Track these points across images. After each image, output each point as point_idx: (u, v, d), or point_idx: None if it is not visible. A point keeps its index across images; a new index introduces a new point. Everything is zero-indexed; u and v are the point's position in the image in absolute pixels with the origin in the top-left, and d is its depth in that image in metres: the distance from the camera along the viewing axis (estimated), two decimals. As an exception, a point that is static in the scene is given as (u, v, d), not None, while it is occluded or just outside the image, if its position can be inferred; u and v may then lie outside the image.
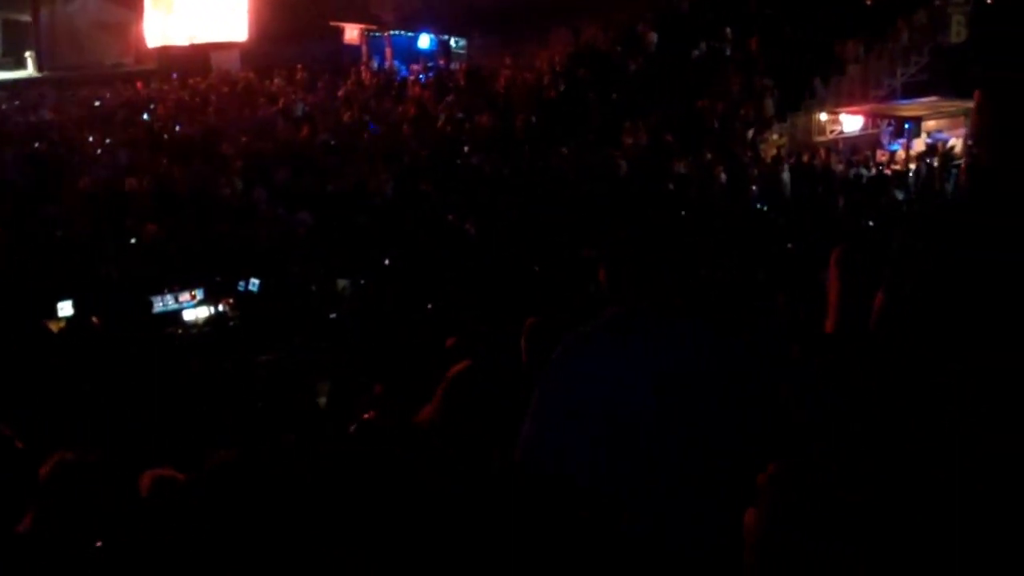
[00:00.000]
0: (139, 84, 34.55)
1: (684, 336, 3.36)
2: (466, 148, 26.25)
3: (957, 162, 24.52)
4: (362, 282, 17.22)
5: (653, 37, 31.43)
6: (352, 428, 4.85)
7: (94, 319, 15.17)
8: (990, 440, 2.13)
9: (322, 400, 11.02)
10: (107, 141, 26.67)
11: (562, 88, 30.51)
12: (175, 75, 35.86)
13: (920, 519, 2.51)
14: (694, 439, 3.27)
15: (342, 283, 17.07)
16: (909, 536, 2.62)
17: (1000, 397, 2.11)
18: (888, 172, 25.73)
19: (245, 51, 39.30)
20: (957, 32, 29.26)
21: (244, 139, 26.62)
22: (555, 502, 3.20)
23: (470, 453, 3.76)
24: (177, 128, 28.46)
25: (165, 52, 38.13)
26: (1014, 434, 2.08)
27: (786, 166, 24.74)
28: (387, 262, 18.10)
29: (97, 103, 31.30)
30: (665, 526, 3.16)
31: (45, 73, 37.38)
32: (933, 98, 28.09)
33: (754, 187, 22.74)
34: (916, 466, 2.40)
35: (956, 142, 26.09)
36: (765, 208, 21.60)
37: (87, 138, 27.18)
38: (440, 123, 28.65)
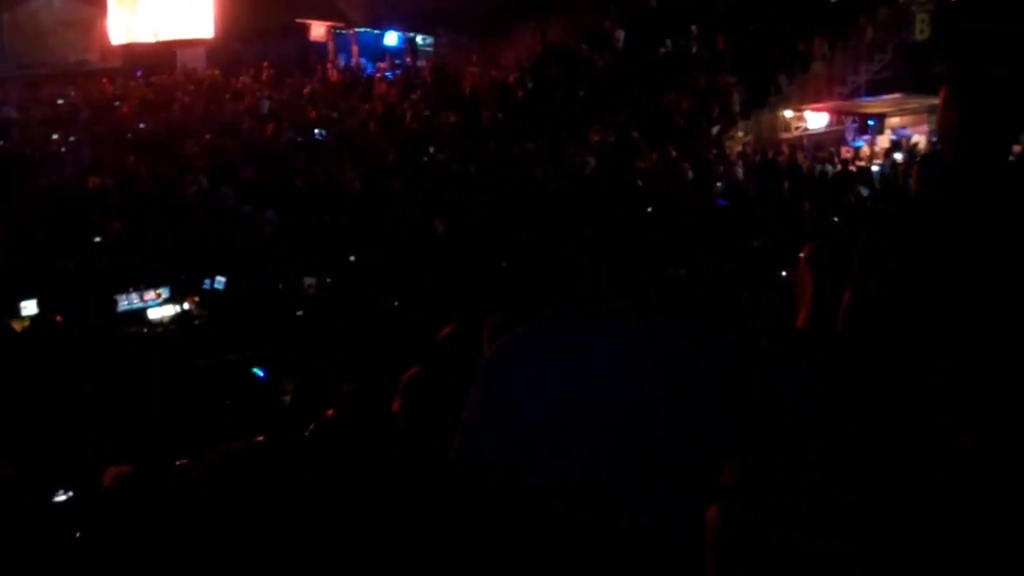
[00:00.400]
0: (105, 81, 34.35)
1: (660, 335, 3.32)
2: (432, 146, 26.22)
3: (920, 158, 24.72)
4: (328, 280, 17.19)
5: (620, 34, 31.48)
6: (311, 427, 4.84)
7: (57, 318, 15.09)
8: (988, 439, 2.14)
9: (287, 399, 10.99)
10: (71, 139, 26.48)
11: (529, 86, 30.52)
12: (140, 73, 35.69)
13: (918, 518, 2.52)
14: (671, 439, 3.24)
15: (308, 281, 17.03)
16: (907, 535, 2.62)
17: (994, 396, 2.11)
18: (853, 169, 25.88)
19: (211, 49, 39.12)
20: (921, 29, 29.46)
21: (210, 137, 26.51)
22: (497, 500, 3.19)
23: (431, 454, 3.74)
24: (142, 126, 28.29)
25: (130, 49, 37.92)
26: (1011, 433, 2.08)
27: (741, 162, 24.87)
28: (353, 260, 18.07)
29: (61, 101, 31.10)
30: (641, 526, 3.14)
31: (9, 71, 37.11)
32: (897, 95, 28.29)
33: (719, 184, 22.82)
34: (913, 465, 2.41)
35: (920, 139, 26.29)
36: (726, 204, 21.68)
37: (51, 136, 26.99)
38: (407, 121, 28.61)
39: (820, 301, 4.11)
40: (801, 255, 4.39)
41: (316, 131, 27.69)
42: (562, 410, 3.14)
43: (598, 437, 3.14)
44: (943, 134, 3.44)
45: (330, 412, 4.78)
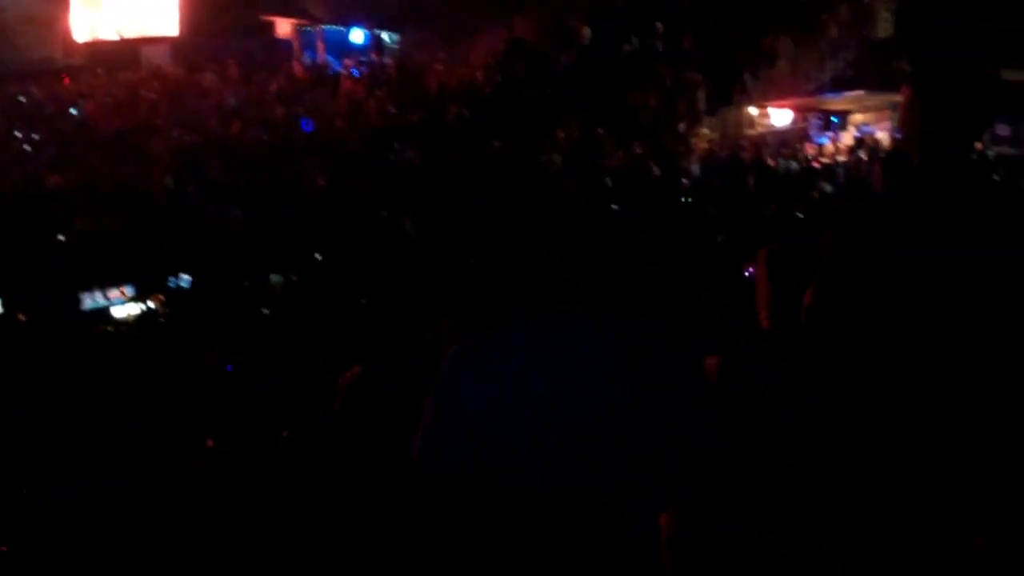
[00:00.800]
0: (66, 79, 34.06)
1: (636, 335, 3.32)
2: (398, 143, 26.19)
3: (883, 155, 24.88)
4: (295, 278, 17.16)
5: (586, 32, 31.51)
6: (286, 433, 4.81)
7: (20, 316, 14.99)
8: (971, 439, 2.14)
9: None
10: (34, 137, 26.31)
11: (496, 82, 30.52)
12: (104, 70, 35.44)
13: (898, 517, 2.54)
14: (650, 439, 3.24)
15: (275, 279, 17.00)
16: (886, 534, 2.64)
17: (972, 395, 2.11)
18: (817, 165, 26.03)
19: (176, 46, 38.91)
20: (884, 27, 29.66)
21: (175, 135, 26.38)
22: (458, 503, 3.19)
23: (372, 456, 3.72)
24: (106, 124, 28.12)
25: (94, 47, 37.68)
26: (993, 432, 2.09)
27: (696, 159, 24.99)
28: (320, 258, 18.04)
29: (23, 99, 30.85)
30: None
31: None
32: (860, 92, 28.47)
33: (685, 180, 22.91)
34: (894, 464, 2.42)
35: (883, 135, 26.48)
36: (689, 200, 21.78)
37: (13, 134, 26.80)
38: (372, 118, 28.56)
39: (779, 303, 4.09)
40: (759, 257, 4.37)
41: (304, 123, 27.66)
42: (533, 411, 3.14)
43: (574, 437, 3.13)
44: (906, 133, 3.45)
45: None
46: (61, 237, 18.88)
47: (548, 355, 3.17)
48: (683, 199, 21.84)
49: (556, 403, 3.12)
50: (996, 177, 23.03)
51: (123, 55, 37.16)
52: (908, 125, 3.36)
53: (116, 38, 37.92)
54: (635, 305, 3.39)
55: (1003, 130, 27.56)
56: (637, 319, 3.39)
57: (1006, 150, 27.09)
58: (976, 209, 3.26)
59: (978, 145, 3.48)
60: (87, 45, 37.88)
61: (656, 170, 23.37)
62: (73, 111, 29.81)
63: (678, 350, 3.37)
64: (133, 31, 38.22)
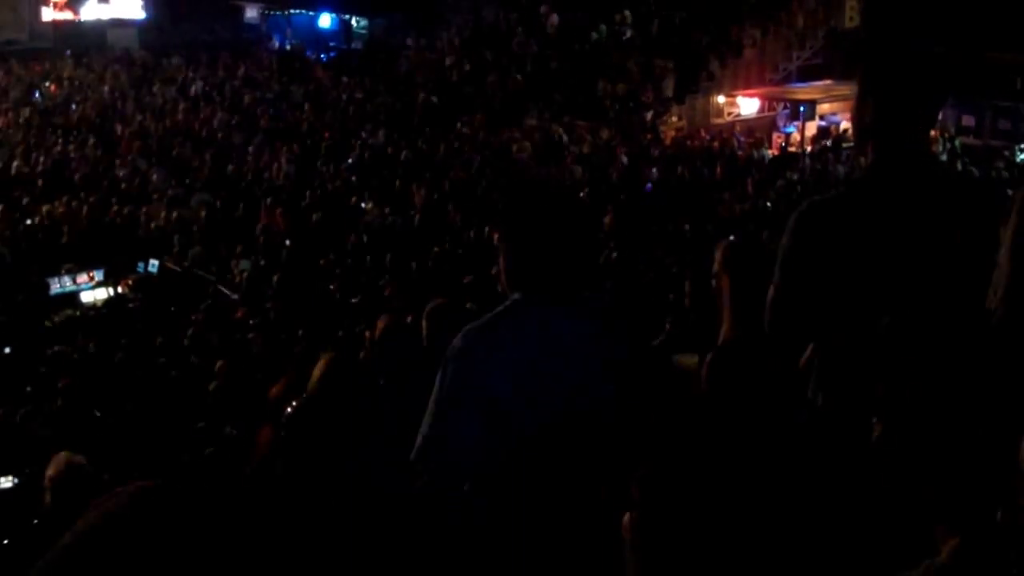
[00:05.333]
0: (36, 66, 33.72)
1: (585, 329, 3.32)
2: (366, 129, 26.15)
3: (850, 144, 25.04)
4: (263, 263, 17.14)
5: (555, 19, 31.53)
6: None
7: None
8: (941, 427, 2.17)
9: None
10: (0, 121, 26.11)
11: (465, 69, 30.51)
12: (69, 53, 35.15)
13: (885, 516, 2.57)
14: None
15: (243, 265, 16.97)
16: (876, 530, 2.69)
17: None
18: (778, 153, 26.23)
19: (143, 29, 38.67)
20: (851, 17, 29.83)
21: (141, 119, 26.24)
22: (453, 501, 3.20)
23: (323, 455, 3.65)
24: (72, 107, 27.93)
25: (60, 29, 37.40)
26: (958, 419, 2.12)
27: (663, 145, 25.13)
28: (288, 243, 18.02)
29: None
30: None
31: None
32: (827, 81, 28.64)
33: (654, 169, 22.98)
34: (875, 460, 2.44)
35: (848, 125, 26.62)
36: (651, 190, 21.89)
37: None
38: (341, 103, 28.49)
39: (740, 304, 4.09)
40: (716, 255, 4.40)
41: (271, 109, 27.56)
42: (533, 393, 3.15)
43: (576, 416, 3.14)
44: (858, 124, 3.45)
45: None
46: (28, 221, 18.79)
47: (544, 339, 3.18)
48: (650, 187, 21.93)
49: (555, 385, 3.15)
50: (959, 166, 23.27)
51: (90, 38, 36.89)
52: (861, 116, 3.38)
53: (83, 20, 37.65)
54: (591, 294, 3.40)
55: (968, 120, 27.80)
56: (604, 300, 3.44)
57: (970, 140, 27.34)
58: (932, 198, 3.31)
59: (934, 133, 3.53)
60: (53, 27, 37.60)
61: (624, 158, 23.44)
62: (38, 94, 29.59)
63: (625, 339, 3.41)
64: (100, 13, 37.96)
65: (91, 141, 24.22)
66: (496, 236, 3.45)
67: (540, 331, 3.22)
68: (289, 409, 3.47)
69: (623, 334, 3.45)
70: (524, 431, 3.15)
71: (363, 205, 20.15)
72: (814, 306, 3.39)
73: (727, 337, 4.21)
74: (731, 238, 4.71)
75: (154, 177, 21.86)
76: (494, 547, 3.18)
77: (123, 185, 21.58)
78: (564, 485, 3.10)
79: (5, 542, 5.12)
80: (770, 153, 26.49)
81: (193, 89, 30.05)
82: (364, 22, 38.48)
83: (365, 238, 18.22)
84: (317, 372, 4.40)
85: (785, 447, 3.22)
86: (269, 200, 19.80)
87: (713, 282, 4.32)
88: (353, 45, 37.53)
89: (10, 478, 6.77)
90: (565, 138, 25.05)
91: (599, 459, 3.03)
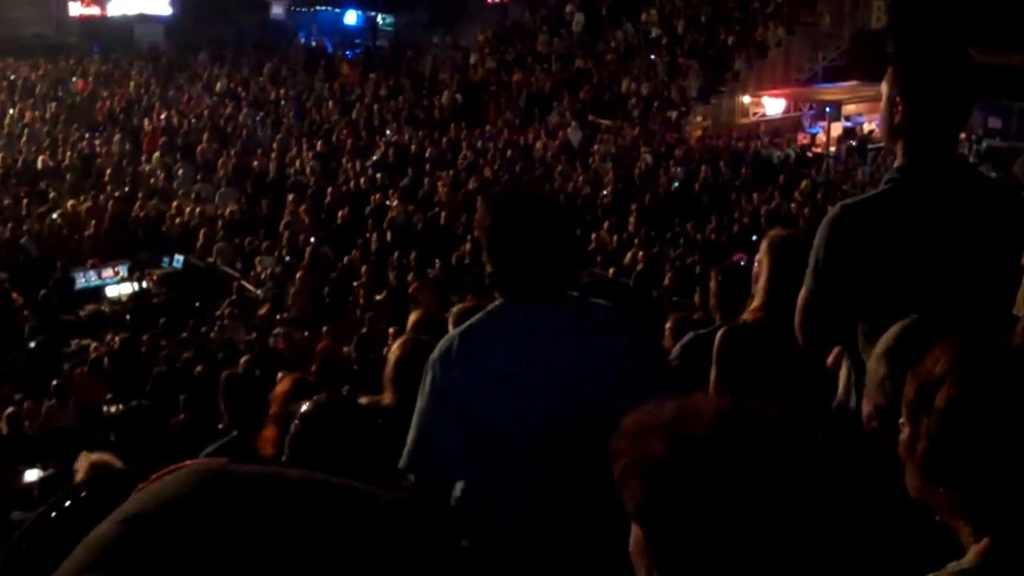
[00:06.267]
0: (63, 58, 33.85)
1: (570, 329, 3.30)
2: (391, 126, 26.20)
3: (875, 145, 24.93)
4: (287, 259, 17.19)
5: (579, 18, 31.52)
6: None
7: (15, 295, 15.00)
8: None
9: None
10: (27, 115, 26.21)
11: (489, 67, 30.53)
12: (97, 48, 35.27)
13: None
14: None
15: (266, 261, 17.02)
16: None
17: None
18: (810, 155, 26.11)
19: (169, 25, 38.77)
20: (877, 17, 29.68)
21: (167, 115, 26.33)
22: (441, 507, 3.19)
23: None
24: (99, 103, 28.02)
25: (87, 24, 37.52)
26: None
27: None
28: (312, 240, 18.07)
29: (12, 76, 30.67)
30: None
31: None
32: (853, 82, 28.50)
33: (678, 168, 22.92)
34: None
35: (874, 126, 26.48)
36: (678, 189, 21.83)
37: (6, 111, 26.70)
38: (366, 100, 28.53)
39: (776, 288, 4.13)
40: (763, 242, 4.40)
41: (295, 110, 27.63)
42: (517, 397, 3.15)
43: (573, 414, 3.13)
44: (888, 128, 3.42)
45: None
46: (55, 215, 18.88)
47: (528, 342, 3.18)
48: (674, 187, 21.89)
49: (542, 389, 3.14)
50: (985, 169, 23.14)
51: (117, 33, 37.00)
52: (891, 117, 3.36)
53: (110, 15, 37.77)
54: (575, 295, 3.39)
55: (994, 122, 27.63)
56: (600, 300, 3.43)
57: (997, 142, 27.17)
58: (965, 201, 3.29)
59: (962, 136, 3.51)
60: (80, 22, 37.73)
61: (648, 158, 23.39)
62: (65, 89, 29.67)
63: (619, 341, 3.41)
64: (127, 8, 38.07)
65: (117, 136, 24.32)
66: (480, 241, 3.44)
67: (523, 334, 3.22)
68: (307, 405, 3.43)
69: (618, 333, 3.43)
70: (513, 435, 3.15)
71: (387, 203, 20.17)
72: (848, 310, 3.39)
73: (750, 316, 4.25)
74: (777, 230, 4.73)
75: (179, 173, 21.95)
76: (490, 554, 3.17)
77: (150, 180, 21.68)
78: (565, 492, 3.09)
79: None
80: (793, 153, 26.38)
81: (218, 85, 30.13)
82: (390, 19, 38.53)
83: (389, 235, 18.24)
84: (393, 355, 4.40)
85: (799, 437, 3.21)
86: (293, 197, 19.84)
87: (754, 267, 4.38)
88: (378, 42, 37.58)
89: (38, 470, 6.81)
90: (574, 140, 24.97)
91: (600, 465, 3.00)
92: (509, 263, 3.28)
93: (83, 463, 4.97)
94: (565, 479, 3.02)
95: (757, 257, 4.38)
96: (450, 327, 5.94)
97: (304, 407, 3.45)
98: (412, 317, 6.13)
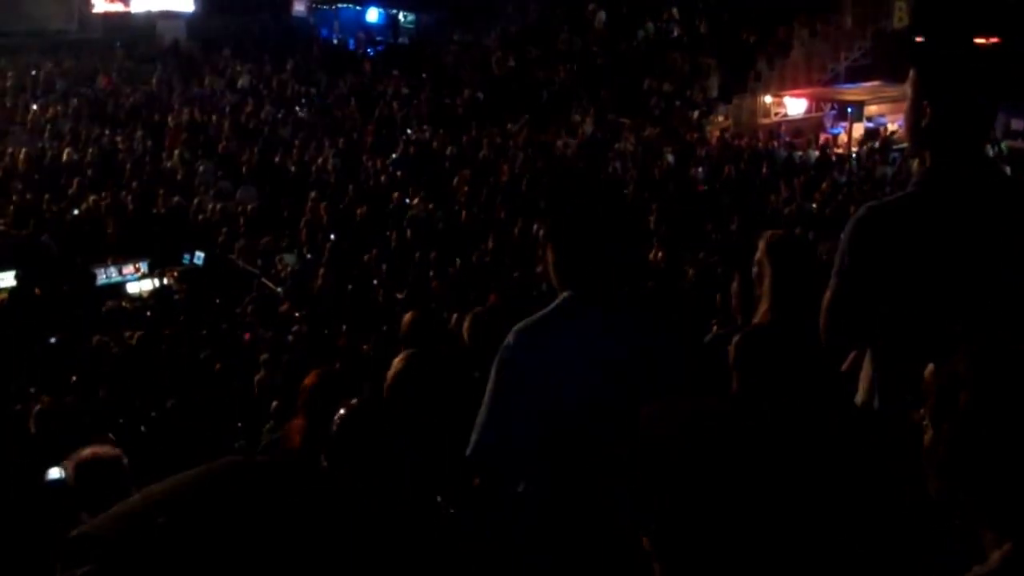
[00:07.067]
0: (87, 53, 33.97)
1: (634, 326, 3.33)
2: (412, 124, 26.22)
3: (898, 146, 24.81)
4: (308, 257, 17.21)
5: (601, 16, 31.49)
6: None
7: (36, 290, 15.04)
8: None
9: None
10: (49, 111, 26.30)
11: (510, 65, 30.51)
12: (119, 44, 35.38)
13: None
14: None
15: (288, 258, 17.05)
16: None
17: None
18: (832, 156, 26.01)
19: (192, 21, 38.86)
20: (899, 17, 29.57)
21: (189, 111, 26.38)
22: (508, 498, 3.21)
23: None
24: (120, 99, 28.09)
25: (110, 20, 37.63)
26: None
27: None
28: (333, 238, 18.09)
29: (34, 72, 30.78)
30: None
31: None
32: (875, 82, 28.40)
33: (700, 168, 22.88)
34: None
35: (897, 127, 26.38)
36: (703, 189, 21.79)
37: (29, 107, 26.80)
38: (387, 98, 28.55)
39: (781, 292, 4.10)
40: (761, 244, 4.36)
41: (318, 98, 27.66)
42: (582, 390, 3.17)
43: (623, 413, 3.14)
44: (913, 130, 3.39)
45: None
46: (75, 211, 18.93)
47: (594, 337, 3.20)
48: (696, 186, 21.84)
49: (603, 383, 3.16)
50: (1008, 171, 23.01)
51: (139, 29, 37.12)
52: (916, 119, 3.33)
53: (132, 12, 37.87)
54: (632, 294, 3.40)
55: (1017, 124, 27.48)
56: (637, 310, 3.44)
57: (1018, 144, 27.02)
58: (994, 204, 3.26)
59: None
60: (103, 18, 37.84)
61: (670, 157, 23.35)
62: (88, 85, 29.77)
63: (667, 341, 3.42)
64: (150, 5, 38.17)
65: (139, 133, 24.37)
66: (542, 234, 3.46)
67: (590, 329, 3.24)
68: (345, 409, 3.49)
69: (668, 330, 3.45)
70: (575, 428, 3.17)
71: (407, 200, 20.17)
72: (874, 312, 3.36)
73: (761, 321, 4.22)
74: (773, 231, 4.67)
75: (200, 169, 21.99)
76: (544, 546, 3.19)
77: (171, 177, 21.72)
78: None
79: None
80: (815, 154, 26.29)
81: (240, 82, 30.19)
82: (411, 17, 38.57)
83: (409, 233, 18.25)
84: (393, 370, 4.43)
85: (818, 438, 3.19)
86: (314, 194, 19.86)
87: (755, 270, 4.33)
88: (400, 39, 37.62)
89: (59, 469, 6.80)
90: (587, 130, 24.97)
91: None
92: (578, 257, 3.28)
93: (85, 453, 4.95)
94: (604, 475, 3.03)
95: (756, 258, 4.34)
96: (465, 328, 5.94)
97: (342, 411, 3.51)
98: (406, 318, 6.13)
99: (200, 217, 19.29)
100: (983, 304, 3.22)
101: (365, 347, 11.82)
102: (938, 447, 2.00)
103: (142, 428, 9.25)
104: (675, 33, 30.29)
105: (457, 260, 16.48)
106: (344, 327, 13.17)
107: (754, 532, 1.84)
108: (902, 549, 2.78)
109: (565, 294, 3.33)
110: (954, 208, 3.30)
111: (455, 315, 7.77)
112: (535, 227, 16.66)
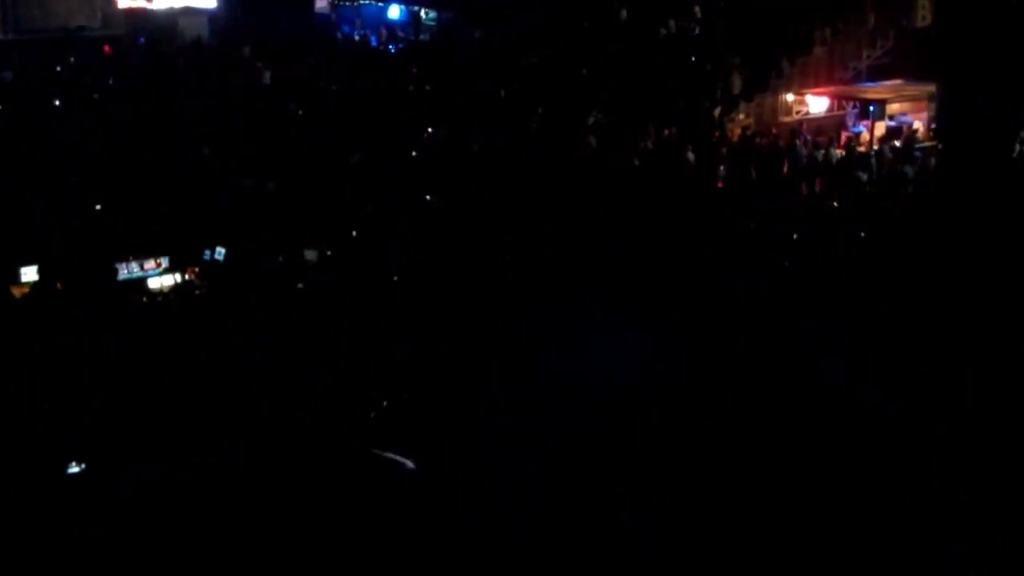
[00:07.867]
0: (107, 48, 34.15)
1: (634, 326, 3.37)
2: (432, 121, 26.25)
3: (920, 145, 24.73)
4: (330, 253, 17.23)
5: (623, 14, 31.44)
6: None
7: (58, 285, 15.12)
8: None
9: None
10: (72, 106, 26.44)
11: (531, 63, 30.49)
12: (142, 40, 35.51)
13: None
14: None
15: (310, 254, 17.07)
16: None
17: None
18: (856, 155, 25.93)
19: (214, 18, 38.96)
20: (922, 16, 29.47)
21: (211, 107, 26.45)
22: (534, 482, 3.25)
23: None
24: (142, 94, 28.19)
25: (133, 16, 37.76)
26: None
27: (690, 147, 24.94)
28: (355, 234, 18.11)
29: (59, 68, 30.92)
30: None
31: (9, 36, 36.84)
32: (898, 81, 28.35)
33: (722, 167, 22.83)
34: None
35: (919, 125, 26.31)
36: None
37: (51, 102, 26.94)
38: (408, 95, 28.57)
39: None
40: None
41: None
42: (588, 392, 3.21)
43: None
44: (943, 130, 3.40)
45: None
46: (98, 206, 19.01)
47: (600, 338, 3.24)
48: (718, 185, 21.81)
49: (610, 382, 3.20)
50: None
51: (161, 26, 37.25)
52: (946, 122, 3.34)
53: (155, 8, 38.02)
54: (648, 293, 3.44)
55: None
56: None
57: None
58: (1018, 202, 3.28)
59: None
60: (126, 14, 37.99)
61: (691, 156, 23.31)
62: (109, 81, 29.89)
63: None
64: (172, 2, 38.32)
65: (160, 127, 24.45)
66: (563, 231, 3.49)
67: (592, 329, 3.28)
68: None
69: (668, 330, 3.48)
70: (575, 428, 3.22)
71: (427, 197, 20.19)
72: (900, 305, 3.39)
73: None
74: None
75: (222, 165, 22.04)
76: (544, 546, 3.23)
77: (192, 171, 21.78)
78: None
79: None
80: (838, 152, 26.21)
81: (263, 78, 30.24)
82: (433, 14, 38.62)
83: (429, 229, 18.27)
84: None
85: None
86: (335, 190, 19.89)
87: None
88: (421, 36, 37.65)
89: (79, 464, 6.85)
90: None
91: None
92: (596, 259, 3.32)
93: None
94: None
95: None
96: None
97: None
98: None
99: (221, 213, 19.33)
100: (983, 304, 3.25)
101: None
102: (939, 444, 2.02)
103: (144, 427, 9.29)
104: (696, 31, 30.22)
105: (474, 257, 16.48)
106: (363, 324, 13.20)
107: (754, 532, 1.85)
108: (902, 549, 2.80)
109: (571, 296, 3.37)
110: (979, 205, 3.32)
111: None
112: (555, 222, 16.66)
